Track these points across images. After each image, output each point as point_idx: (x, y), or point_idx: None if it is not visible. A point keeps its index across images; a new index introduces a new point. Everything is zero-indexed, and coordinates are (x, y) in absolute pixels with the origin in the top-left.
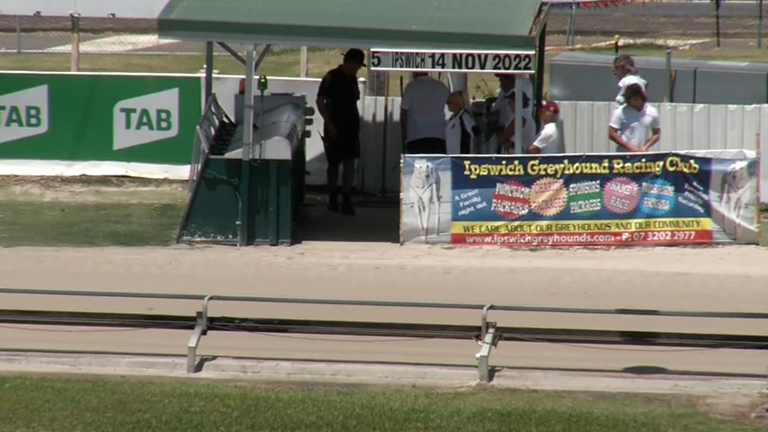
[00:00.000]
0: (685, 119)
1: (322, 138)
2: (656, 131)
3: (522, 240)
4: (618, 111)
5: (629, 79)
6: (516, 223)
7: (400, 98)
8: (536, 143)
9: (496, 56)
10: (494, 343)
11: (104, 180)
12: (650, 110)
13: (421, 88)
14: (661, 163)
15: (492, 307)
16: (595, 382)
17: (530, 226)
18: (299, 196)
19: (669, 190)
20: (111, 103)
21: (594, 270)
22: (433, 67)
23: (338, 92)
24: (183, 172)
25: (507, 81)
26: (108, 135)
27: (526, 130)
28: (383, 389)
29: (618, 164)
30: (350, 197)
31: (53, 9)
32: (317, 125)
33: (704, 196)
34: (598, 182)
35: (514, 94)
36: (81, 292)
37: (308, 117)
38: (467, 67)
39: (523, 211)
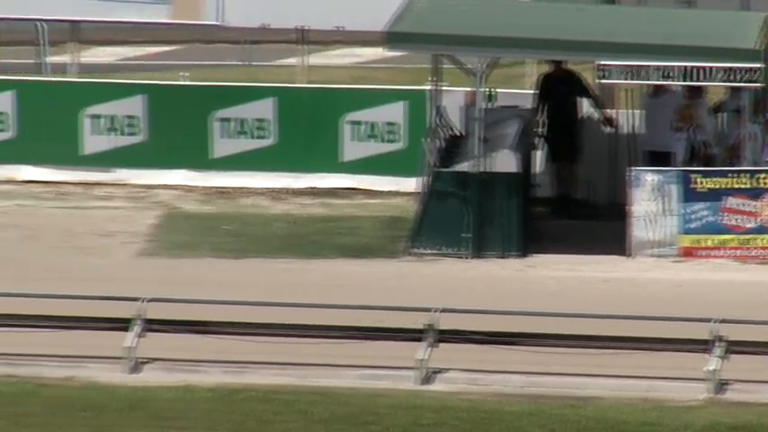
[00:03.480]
0: None
1: (542, 138)
2: None
3: (751, 254)
4: None
5: None
6: (745, 237)
7: (628, 111)
8: None
9: (725, 68)
10: (723, 357)
11: (332, 192)
12: None
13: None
14: None
15: (722, 321)
16: None
17: (760, 240)
18: (527, 209)
19: None
20: (339, 115)
21: None
22: (660, 79)
23: (549, 95)
24: (411, 184)
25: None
26: (335, 147)
27: (756, 145)
28: (613, 402)
29: None
30: (567, 201)
31: (281, 21)
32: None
33: None
34: None
35: (740, 108)
36: (309, 304)
37: (535, 129)
38: (695, 80)
39: (752, 225)
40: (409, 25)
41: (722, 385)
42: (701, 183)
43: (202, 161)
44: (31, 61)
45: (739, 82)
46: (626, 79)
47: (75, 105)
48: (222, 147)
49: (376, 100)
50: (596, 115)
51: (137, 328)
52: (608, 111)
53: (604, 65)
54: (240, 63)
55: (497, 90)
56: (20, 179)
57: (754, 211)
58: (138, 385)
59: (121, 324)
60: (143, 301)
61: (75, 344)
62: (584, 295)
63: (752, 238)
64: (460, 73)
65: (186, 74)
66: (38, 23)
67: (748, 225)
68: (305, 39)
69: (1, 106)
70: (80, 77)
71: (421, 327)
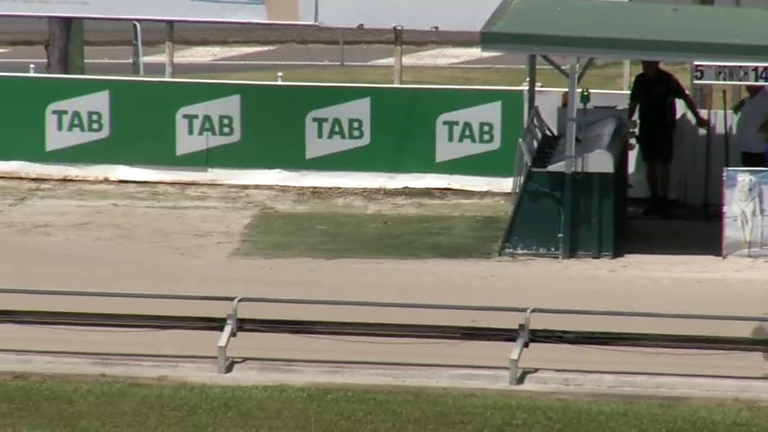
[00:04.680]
0: None
1: (636, 138)
2: None
3: None
4: None
5: None
6: None
7: (722, 111)
8: None
9: None
10: None
11: (427, 192)
12: None
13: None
14: None
15: None
16: None
17: None
18: (621, 209)
19: None
20: (434, 115)
21: None
22: (756, 80)
23: (643, 94)
24: (505, 184)
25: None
26: (430, 147)
27: None
28: (705, 402)
29: None
30: (660, 201)
31: (376, 22)
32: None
33: None
34: None
35: None
36: (403, 304)
37: (631, 130)
38: None
39: None
40: (505, 26)
41: None
42: None
43: (297, 161)
44: (126, 61)
45: None
46: (720, 80)
47: (170, 105)
48: (316, 147)
49: (470, 100)
50: (690, 116)
51: (230, 328)
52: (701, 112)
53: (700, 65)
54: (335, 63)
55: (592, 91)
56: (114, 179)
57: None
58: (231, 385)
59: (214, 324)
60: (236, 301)
61: (167, 343)
62: (677, 295)
63: None
64: (554, 74)
65: (281, 74)
66: (134, 23)
67: None
68: (400, 39)
69: (96, 106)
70: (175, 78)
71: (514, 326)
